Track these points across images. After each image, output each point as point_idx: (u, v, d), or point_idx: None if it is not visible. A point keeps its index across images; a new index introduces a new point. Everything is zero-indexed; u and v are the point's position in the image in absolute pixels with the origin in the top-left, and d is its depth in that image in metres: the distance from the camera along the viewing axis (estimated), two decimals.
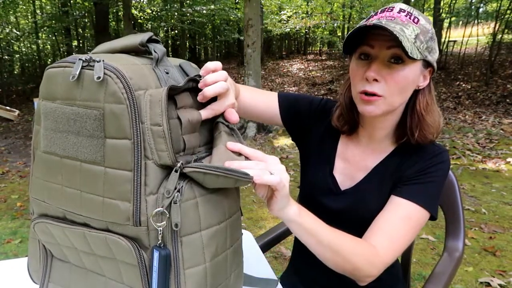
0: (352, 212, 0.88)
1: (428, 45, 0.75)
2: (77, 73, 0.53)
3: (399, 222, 0.78)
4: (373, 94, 0.76)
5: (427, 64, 0.78)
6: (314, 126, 0.98)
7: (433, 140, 0.83)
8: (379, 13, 0.78)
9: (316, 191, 0.94)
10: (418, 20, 0.75)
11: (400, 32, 0.71)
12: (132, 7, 11.34)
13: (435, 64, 0.79)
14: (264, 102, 0.97)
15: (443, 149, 0.84)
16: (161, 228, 0.55)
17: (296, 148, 1.06)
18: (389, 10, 0.77)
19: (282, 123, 0.99)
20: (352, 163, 0.91)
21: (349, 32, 0.74)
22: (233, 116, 0.61)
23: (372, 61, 0.77)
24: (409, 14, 0.76)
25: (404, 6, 0.78)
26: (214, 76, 0.59)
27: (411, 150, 0.85)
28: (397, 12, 0.76)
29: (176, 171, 0.54)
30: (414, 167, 0.83)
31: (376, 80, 0.76)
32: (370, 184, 0.87)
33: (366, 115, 0.81)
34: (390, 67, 0.75)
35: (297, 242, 1.07)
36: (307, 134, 0.99)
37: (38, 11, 14.75)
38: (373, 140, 0.89)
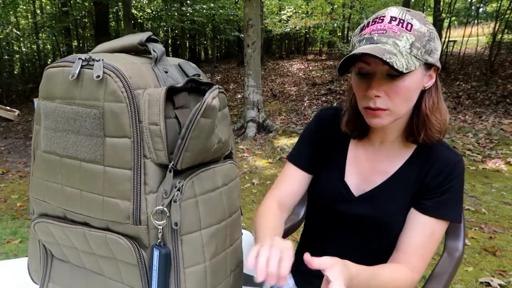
0: (371, 218, 0.87)
1: (427, 48, 0.73)
2: (77, 72, 0.53)
3: (427, 240, 0.81)
4: (378, 109, 0.76)
5: (429, 65, 0.77)
6: (320, 142, 0.98)
7: (440, 139, 0.83)
8: (371, 24, 0.76)
9: (329, 199, 0.93)
10: (412, 25, 0.72)
11: (392, 49, 0.70)
12: (132, 7, 11.34)
13: (438, 63, 0.78)
14: (291, 185, 0.98)
15: (460, 158, 0.84)
16: (161, 227, 0.55)
17: None
18: (380, 21, 0.74)
19: (312, 176, 0.99)
20: (366, 167, 0.90)
21: (343, 59, 0.73)
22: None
23: (371, 78, 0.76)
24: (401, 21, 0.73)
25: (395, 12, 0.75)
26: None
27: (430, 156, 0.84)
28: (388, 22, 0.73)
29: (170, 171, 0.54)
30: (436, 179, 0.82)
31: (378, 96, 0.75)
32: (390, 190, 0.87)
33: (374, 126, 0.82)
34: (389, 81, 0.74)
35: (303, 240, 1.06)
36: (320, 154, 0.98)
37: (38, 11, 14.75)
38: (385, 143, 0.88)
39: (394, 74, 0.73)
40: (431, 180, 0.83)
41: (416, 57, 0.72)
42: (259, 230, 0.83)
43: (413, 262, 0.81)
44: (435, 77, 0.80)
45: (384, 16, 0.74)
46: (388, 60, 0.67)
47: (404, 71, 0.68)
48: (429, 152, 0.85)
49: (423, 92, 0.80)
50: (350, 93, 0.89)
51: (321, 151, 0.97)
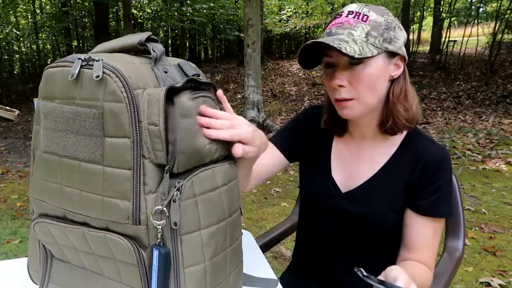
0: (360, 216, 0.87)
1: (384, 37, 0.77)
2: (76, 72, 0.53)
3: (431, 238, 0.85)
4: (345, 99, 0.79)
5: (391, 54, 0.79)
6: (305, 137, 0.99)
7: (410, 127, 0.84)
8: (332, 21, 0.81)
9: (318, 195, 0.93)
10: (368, 17, 0.77)
11: (345, 38, 0.74)
12: (132, 7, 11.35)
13: (401, 52, 0.80)
14: (266, 158, 0.98)
15: (445, 151, 0.85)
16: (161, 227, 0.55)
17: None
18: (339, 16, 0.80)
19: (288, 162, 1.01)
20: (350, 164, 0.91)
21: (299, 51, 0.78)
22: (236, 150, 0.61)
23: (334, 69, 0.80)
24: (357, 14, 0.77)
25: (353, 7, 0.79)
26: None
27: (416, 152, 0.85)
28: (345, 16, 0.78)
29: (166, 172, 0.54)
30: (424, 177, 0.84)
31: (341, 86, 0.78)
32: (377, 187, 0.87)
33: (345, 118, 0.84)
34: (351, 69, 0.77)
35: (299, 239, 1.06)
36: (304, 148, 1.00)
37: (38, 11, 14.75)
38: (366, 139, 0.90)
39: (354, 63, 0.77)
40: (420, 178, 0.84)
41: (373, 45, 0.75)
42: None
43: (426, 261, 0.84)
44: (403, 66, 0.83)
45: (342, 12, 0.80)
46: (336, 46, 0.71)
47: (356, 56, 0.72)
48: (414, 148, 0.86)
49: (392, 82, 0.83)
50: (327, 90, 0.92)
51: (305, 145, 0.99)
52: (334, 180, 0.92)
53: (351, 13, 0.78)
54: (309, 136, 0.99)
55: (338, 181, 0.91)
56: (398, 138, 0.88)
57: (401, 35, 0.80)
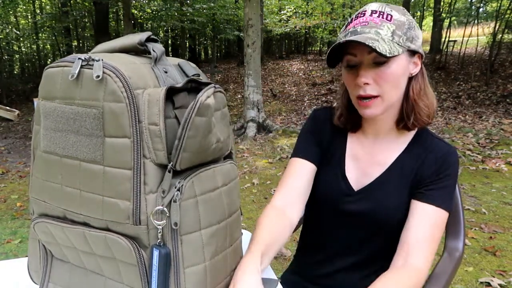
0: (370, 213, 0.87)
1: (408, 36, 0.78)
2: (76, 72, 0.53)
3: (430, 230, 0.81)
4: (369, 97, 0.80)
5: (412, 52, 0.81)
6: (319, 138, 0.98)
7: (429, 123, 0.86)
8: (354, 20, 0.81)
9: (331, 195, 0.93)
10: (391, 16, 0.78)
11: (375, 36, 0.75)
12: (132, 7, 11.35)
13: (421, 50, 0.82)
14: (299, 178, 0.93)
15: (454, 149, 0.87)
16: (161, 227, 0.55)
17: None
18: (362, 15, 0.80)
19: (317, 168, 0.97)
20: (363, 160, 0.92)
21: (329, 50, 0.78)
22: None
23: (358, 67, 0.80)
24: (381, 13, 0.78)
25: (375, 6, 0.80)
26: None
27: (426, 148, 0.87)
28: (369, 15, 0.79)
29: (169, 171, 0.54)
30: (432, 168, 0.85)
31: (367, 83, 0.79)
32: (388, 183, 0.88)
33: (367, 117, 0.84)
34: (376, 68, 0.78)
35: (302, 240, 1.06)
36: (321, 148, 0.97)
37: (38, 11, 14.76)
38: (380, 133, 0.90)
39: (380, 61, 0.78)
40: (427, 168, 0.86)
41: (398, 44, 0.77)
42: (250, 242, 0.79)
43: (418, 254, 0.80)
44: (420, 64, 0.85)
45: (365, 11, 0.81)
46: (371, 45, 0.72)
47: (388, 55, 0.73)
48: (424, 145, 0.88)
49: (410, 80, 0.84)
50: (342, 89, 0.93)
51: (321, 147, 0.98)
52: (347, 179, 0.91)
53: (374, 12, 0.79)
54: (322, 137, 0.98)
55: (352, 179, 0.92)
56: (409, 135, 0.90)
57: (420, 34, 0.82)
